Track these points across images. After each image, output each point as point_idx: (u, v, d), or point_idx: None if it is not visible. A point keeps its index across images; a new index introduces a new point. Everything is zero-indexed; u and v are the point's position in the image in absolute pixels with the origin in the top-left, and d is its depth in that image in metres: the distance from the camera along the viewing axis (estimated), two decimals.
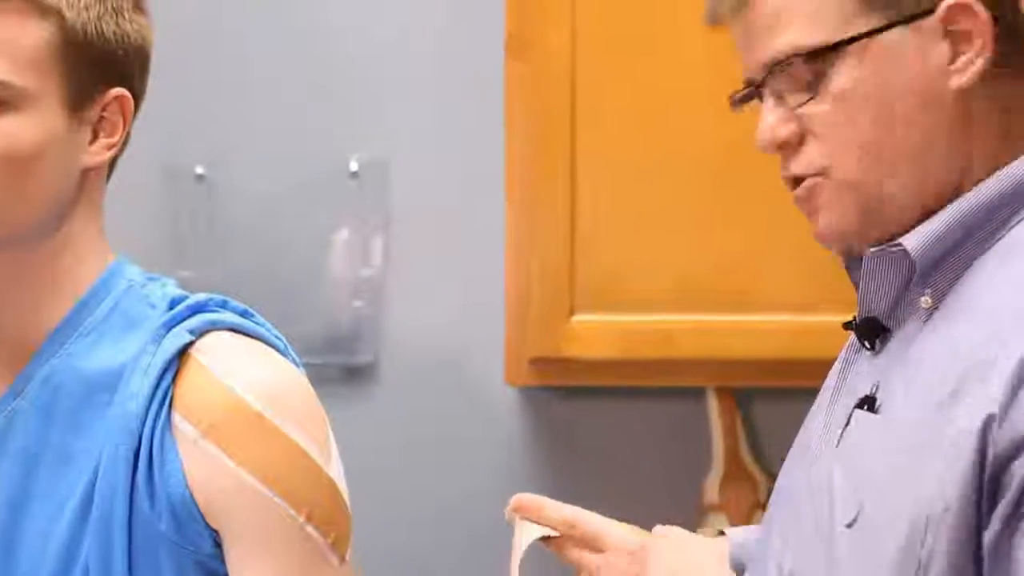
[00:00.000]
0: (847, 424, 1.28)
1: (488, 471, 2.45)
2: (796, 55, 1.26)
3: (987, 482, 1.17)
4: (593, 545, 1.44)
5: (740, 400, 2.46)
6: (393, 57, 2.47)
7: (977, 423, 1.17)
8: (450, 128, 2.47)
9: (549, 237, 2.22)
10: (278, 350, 1.40)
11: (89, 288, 1.40)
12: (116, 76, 1.39)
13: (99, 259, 1.42)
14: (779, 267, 2.18)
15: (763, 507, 2.43)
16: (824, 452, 1.30)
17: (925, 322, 1.26)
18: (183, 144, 2.45)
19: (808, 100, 1.27)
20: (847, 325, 1.33)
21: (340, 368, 2.47)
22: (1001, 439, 1.16)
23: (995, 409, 1.16)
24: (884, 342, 1.30)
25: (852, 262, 1.33)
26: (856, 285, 1.32)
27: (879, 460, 1.23)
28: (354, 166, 2.46)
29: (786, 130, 1.29)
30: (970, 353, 1.19)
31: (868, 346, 1.30)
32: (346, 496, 1.39)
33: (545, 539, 1.46)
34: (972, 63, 1.26)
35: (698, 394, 2.45)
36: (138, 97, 1.42)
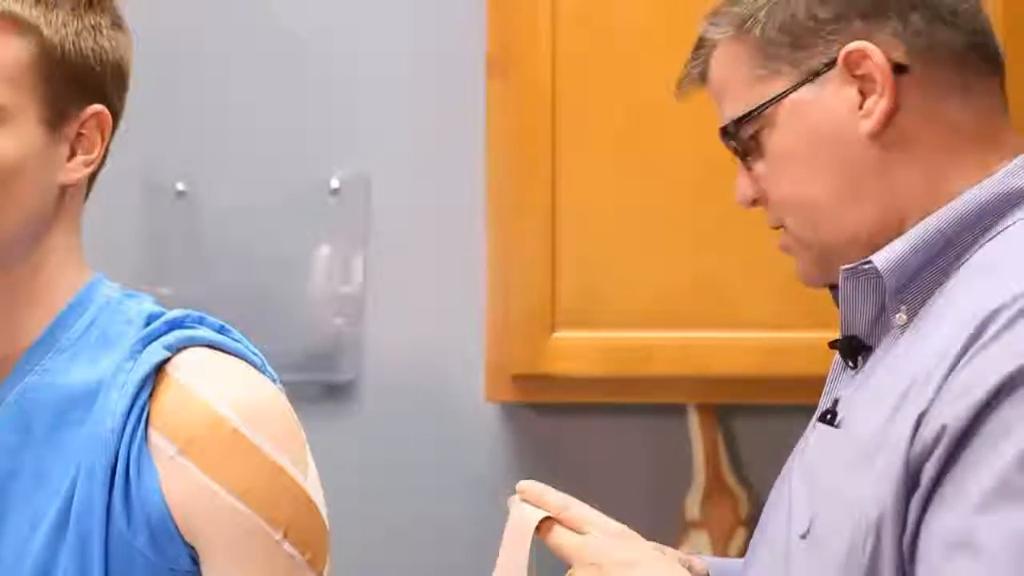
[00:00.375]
0: (812, 434, 1.32)
1: (470, 488, 2.45)
2: (729, 125, 1.36)
3: (909, 483, 1.19)
4: (579, 529, 1.45)
5: (721, 417, 2.47)
6: (375, 75, 2.48)
7: (909, 426, 1.19)
8: (431, 146, 2.47)
9: (530, 254, 2.23)
10: (255, 366, 1.40)
11: (67, 304, 1.40)
12: (94, 93, 1.39)
13: (77, 276, 1.42)
14: (758, 285, 2.18)
15: (744, 524, 2.45)
16: (796, 463, 1.33)
17: (899, 337, 1.29)
18: (164, 161, 2.45)
19: (751, 163, 1.36)
20: (832, 344, 1.36)
21: (321, 385, 2.47)
22: (921, 437, 1.18)
23: (924, 406, 1.19)
24: (866, 360, 1.32)
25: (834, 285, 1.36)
26: (837, 304, 1.35)
27: (832, 472, 1.26)
28: (335, 183, 2.46)
29: (752, 189, 1.38)
30: (918, 370, 1.22)
31: (851, 364, 1.33)
32: (324, 513, 1.39)
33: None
34: (877, 105, 1.29)
35: (679, 411, 2.45)
36: (116, 114, 1.42)
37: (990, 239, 1.27)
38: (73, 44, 1.37)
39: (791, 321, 2.15)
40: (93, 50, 1.38)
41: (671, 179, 2.20)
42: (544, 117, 2.22)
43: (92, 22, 1.39)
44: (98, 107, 1.39)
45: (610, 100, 2.22)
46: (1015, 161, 1.30)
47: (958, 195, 1.29)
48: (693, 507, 2.45)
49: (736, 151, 1.36)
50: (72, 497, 1.33)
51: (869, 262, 1.29)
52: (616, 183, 2.22)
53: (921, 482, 1.18)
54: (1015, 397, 1.15)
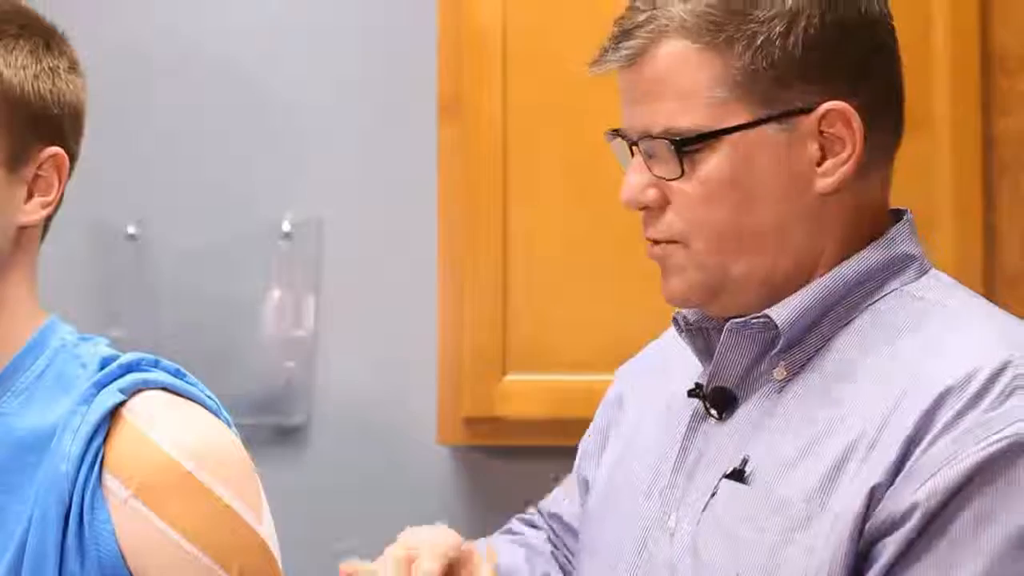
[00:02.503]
0: (714, 494, 1.30)
1: None
2: (668, 135, 1.27)
3: (859, 556, 1.20)
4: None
5: None
6: (327, 118, 2.49)
7: (860, 498, 1.20)
8: (383, 189, 2.48)
9: (481, 298, 2.23)
10: (210, 410, 1.40)
11: (22, 348, 1.40)
12: (52, 135, 1.40)
13: (32, 318, 1.41)
14: None
15: None
16: (683, 519, 1.31)
17: (780, 392, 1.29)
18: (114, 203, 2.45)
19: (675, 178, 1.29)
20: (692, 392, 1.35)
21: (273, 428, 2.46)
22: (879, 515, 1.19)
23: (880, 479, 1.19)
24: (732, 411, 1.32)
25: (693, 330, 1.36)
26: (695, 349, 1.36)
27: (755, 532, 1.25)
28: (286, 226, 2.47)
29: (651, 194, 1.31)
30: (854, 436, 1.23)
31: (717, 415, 1.33)
32: (278, 556, 1.38)
33: None
34: (839, 169, 1.28)
35: None
36: (72, 157, 1.42)
37: (876, 300, 1.29)
38: (32, 86, 1.37)
39: None
40: (51, 92, 1.39)
41: (621, 223, 2.21)
42: (495, 162, 2.23)
43: (50, 64, 1.39)
44: (55, 149, 1.40)
45: (561, 146, 2.24)
46: (896, 227, 1.32)
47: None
48: None
49: (663, 159, 1.28)
50: (26, 541, 1.33)
51: (765, 316, 1.29)
52: (566, 227, 2.23)
53: (879, 557, 1.19)
54: (994, 484, 1.16)
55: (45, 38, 1.41)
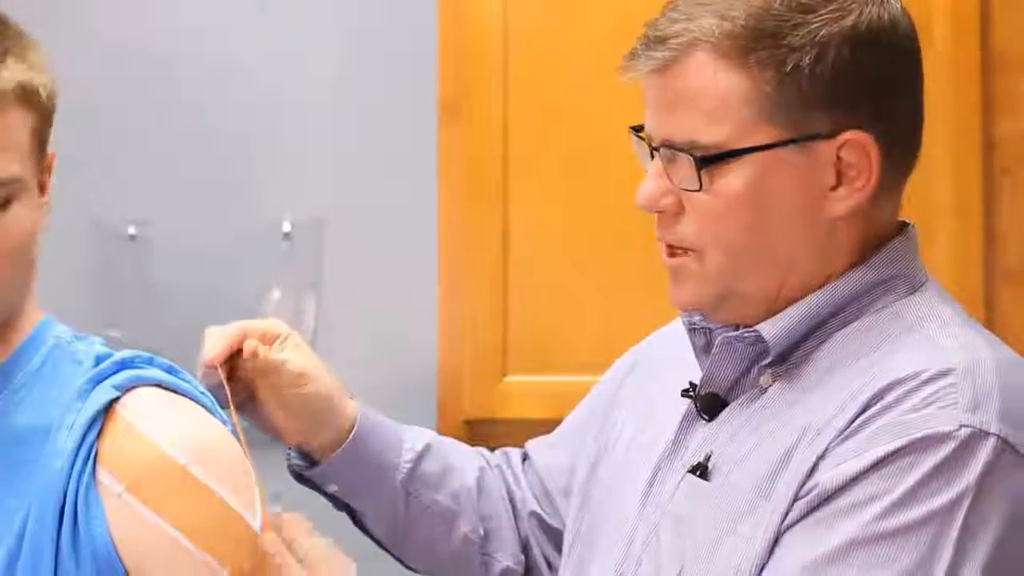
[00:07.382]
0: (679, 485, 1.34)
1: None
2: (690, 149, 1.29)
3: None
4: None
5: None
6: (327, 119, 2.49)
7: (795, 485, 1.25)
8: (384, 191, 2.48)
9: (481, 298, 2.23)
10: (205, 407, 1.40)
11: (18, 346, 1.40)
12: (48, 140, 1.40)
13: (31, 317, 1.42)
14: None
15: None
16: (656, 508, 1.36)
17: (760, 397, 1.33)
18: (114, 204, 2.45)
19: (694, 190, 1.30)
20: (685, 393, 1.38)
21: None
22: (800, 492, 1.25)
23: (811, 465, 1.25)
24: (719, 413, 1.36)
25: (696, 328, 1.40)
26: (696, 347, 1.39)
27: (705, 523, 1.30)
28: (287, 227, 2.47)
29: (667, 200, 1.33)
30: (804, 431, 1.27)
31: (707, 418, 1.36)
32: None
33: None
34: (852, 196, 1.30)
35: None
36: None
37: (864, 316, 1.32)
38: (52, 100, 1.37)
39: None
40: (56, 99, 1.38)
41: (621, 224, 2.22)
42: (495, 162, 2.23)
43: (48, 67, 1.38)
44: (51, 152, 1.40)
45: (561, 146, 2.24)
46: (893, 245, 1.34)
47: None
48: None
49: (683, 169, 1.30)
50: (22, 537, 1.33)
51: (755, 331, 1.32)
52: (567, 228, 2.23)
53: (790, 514, 1.25)
54: (885, 469, 1.22)
55: (33, 40, 1.40)
